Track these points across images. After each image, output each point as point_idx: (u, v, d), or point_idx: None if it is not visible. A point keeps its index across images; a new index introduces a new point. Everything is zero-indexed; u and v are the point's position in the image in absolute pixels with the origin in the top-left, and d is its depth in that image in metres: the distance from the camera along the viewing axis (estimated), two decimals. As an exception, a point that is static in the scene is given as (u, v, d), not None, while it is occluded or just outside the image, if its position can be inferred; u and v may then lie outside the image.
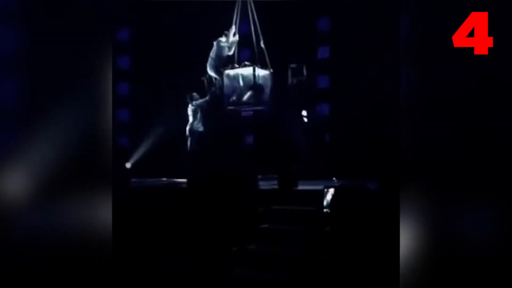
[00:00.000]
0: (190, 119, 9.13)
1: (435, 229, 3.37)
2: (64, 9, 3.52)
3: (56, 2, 3.53)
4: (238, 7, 8.30)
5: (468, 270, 3.30)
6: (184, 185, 7.31)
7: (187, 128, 9.13)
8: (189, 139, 9.10)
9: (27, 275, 3.41)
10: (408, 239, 3.36)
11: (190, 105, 9.15)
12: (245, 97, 8.14)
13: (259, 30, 8.34)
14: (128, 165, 9.33)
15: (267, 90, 8.17)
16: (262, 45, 8.30)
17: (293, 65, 8.44)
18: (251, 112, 8.79)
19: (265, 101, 8.18)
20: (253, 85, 8.06)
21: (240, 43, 8.61)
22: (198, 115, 9.11)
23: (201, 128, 9.13)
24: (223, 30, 8.63)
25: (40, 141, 3.46)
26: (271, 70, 8.29)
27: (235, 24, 8.41)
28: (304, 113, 8.39)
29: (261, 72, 8.13)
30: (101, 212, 3.49)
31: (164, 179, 9.00)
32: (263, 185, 7.21)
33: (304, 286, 4.39)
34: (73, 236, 3.45)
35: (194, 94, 9.20)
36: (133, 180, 8.05)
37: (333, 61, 9.80)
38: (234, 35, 8.57)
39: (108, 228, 3.50)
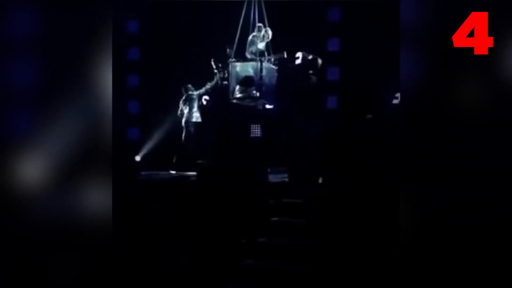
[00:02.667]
0: (184, 110, 9.18)
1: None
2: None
3: None
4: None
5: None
6: (193, 178, 7.31)
7: (183, 120, 9.19)
8: (184, 130, 9.17)
9: (34, 260, 3.45)
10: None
11: (184, 97, 9.22)
12: (236, 91, 8.18)
13: (266, 22, 8.35)
14: (137, 158, 9.36)
15: (272, 84, 8.19)
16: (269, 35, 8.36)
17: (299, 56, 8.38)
18: (258, 105, 8.77)
19: (267, 95, 8.20)
20: (243, 79, 8.10)
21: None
22: (193, 107, 9.16)
23: (194, 119, 9.17)
24: (232, 21, 8.62)
25: (45, 131, 3.48)
26: (276, 64, 8.31)
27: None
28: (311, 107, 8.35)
29: (266, 66, 8.13)
30: (102, 201, 3.53)
31: (174, 172, 9.00)
32: (273, 178, 7.19)
33: (314, 277, 4.39)
34: (76, 223, 3.50)
35: (189, 86, 9.25)
36: (143, 173, 8.04)
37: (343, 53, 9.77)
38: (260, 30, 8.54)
39: (108, 216, 3.53)
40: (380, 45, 8.86)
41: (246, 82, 8.08)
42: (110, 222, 3.53)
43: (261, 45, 8.57)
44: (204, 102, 9.27)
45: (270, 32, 8.56)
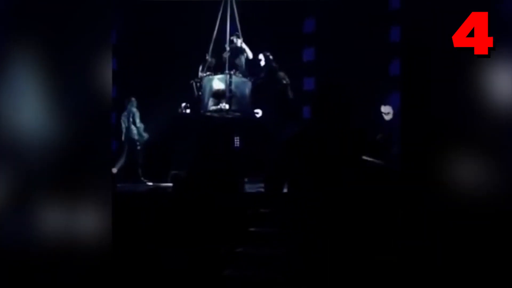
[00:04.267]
0: (127, 124, 9.31)
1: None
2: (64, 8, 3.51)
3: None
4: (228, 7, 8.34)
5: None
6: (169, 190, 7.29)
7: (123, 135, 9.35)
8: (127, 146, 9.32)
9: (25, 275, 3.39)
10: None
11: (131, 109, 9.38)
12: (209, 104, 8.34)
13: (239, 32, 8.41)
14: (114, 170, 9.29)
15: (243, 96, 8.32)
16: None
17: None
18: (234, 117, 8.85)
19: (240, 107, 8.34)
20: (215, 92, 8.25)
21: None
22: (136, 122, 9.28)
23: (135, 136, 9.26)
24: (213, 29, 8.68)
25: (41, 140, 3.44)
26: (248, 77, 8.47)
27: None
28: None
29: (236, 79, 8.26)
30: (101, 215, 3.49)
31: (150, 183, 8.97)
32: (250, 188, 7.21)
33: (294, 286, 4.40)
34: (73, 238, 3.45)
35: (133, 99, 9.26)
36: (118, 185, 8.00)
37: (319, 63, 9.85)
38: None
39: (108, 232, 3.49)
40: (357, 53, 8.98)
41: (218, 95, 8.14)
42: (110, 238, 3.49)
43: (239, 60, 8.63)
44: (183, 110, 9.30)
45: (248, 51, 8.67)
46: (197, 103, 8.76)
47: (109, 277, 3.64)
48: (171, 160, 9.43)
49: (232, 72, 8.30)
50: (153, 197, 7.08)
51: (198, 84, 8.82)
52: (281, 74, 8.39)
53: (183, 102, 9.28)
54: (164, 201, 6.57)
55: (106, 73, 3.59)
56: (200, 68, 8.91)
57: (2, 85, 3.43)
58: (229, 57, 8.60)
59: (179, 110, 9.30)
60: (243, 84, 8.43)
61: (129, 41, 10.78)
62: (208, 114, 8.49)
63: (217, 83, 8.31)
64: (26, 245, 3.41)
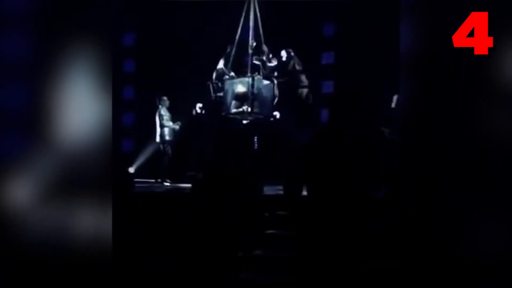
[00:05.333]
0: (160, 124, 9.19)
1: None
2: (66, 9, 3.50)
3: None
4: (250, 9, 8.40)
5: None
6: (187, 190, 7.29)
7: (157, 134, 9.21)
8: (161, 146, 9.22)
9: (28, 280, 3.39)
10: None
11: (161, 110, 9.26)
12: (231, 107, 8.38)
13: (262, 38, 8.43)
14: (131, 169, 9.33)
15: (265, 99, 8.35)
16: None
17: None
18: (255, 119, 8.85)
19: (263, 110, 8.38)
20: (237, 95, 8.30)
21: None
22: (168, 121, 9.20)
23: (171, 135, 9.20)
24: (227, 33, 8.70)
25: (42, 146, 3.43)
26: (274, 80, 8.46)
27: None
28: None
29: (258, 82, 8.29)
30: (102, 217, 3.46)
31: (168, 184, 8.98)
32: (268, 190, 7.18)
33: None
34: (73, 242, 3.42)
35: (164, 98, 9.27)
36: (137, 185, 8.02)
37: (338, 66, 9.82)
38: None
39: (108, 233, 3.47)
40: (375, 57, 8.93)
41: (240, 97, 8.20)
42: (110, 241, 3.47)
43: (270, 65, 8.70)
44: (198, 110, 9.31)
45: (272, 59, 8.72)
46: (214, 104, 8.79)
47: (117, 277, 3.63)
48: (187, 161, 9.44)
49: (254, 75, 8.33)
50: (170, 197, 7.09)
51: (215, 85, 8.85)
52: (302, 76, 8.39)
53: (199, 103, 9.31)
54: (182, 202, 6.57)
55: (107, 73, 3.55)
56: (222, 62, 8.93)
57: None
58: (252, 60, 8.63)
59: (194, 111, 9.33)
60: (265, 86, 8.45)
61: (148, 43, 10.84)
62: (231, 116, 8.52)
63: (240, 86, 8.37)
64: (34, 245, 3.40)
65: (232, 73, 8.73)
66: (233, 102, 8.35)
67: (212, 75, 8.94)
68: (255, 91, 8.21)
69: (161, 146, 9.22)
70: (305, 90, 8.43)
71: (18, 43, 3.45)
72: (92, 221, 3.44)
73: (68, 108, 3.45)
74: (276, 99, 8.54)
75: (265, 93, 8.42)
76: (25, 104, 3.45)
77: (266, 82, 8.47)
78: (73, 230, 3.41)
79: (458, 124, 3.40)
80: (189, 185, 7.43)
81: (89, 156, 3.44)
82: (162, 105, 9.27)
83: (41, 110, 3.43)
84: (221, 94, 8.68)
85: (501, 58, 3.36)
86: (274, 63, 8.68)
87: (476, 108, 3.37)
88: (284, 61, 8.55)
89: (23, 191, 3.38)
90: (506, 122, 3.32)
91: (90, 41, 3.48)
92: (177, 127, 9.29)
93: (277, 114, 8.62)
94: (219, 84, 8.80)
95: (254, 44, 8.58)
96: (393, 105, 8.36)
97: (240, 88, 8.32)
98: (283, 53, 8.53)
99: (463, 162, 3.36)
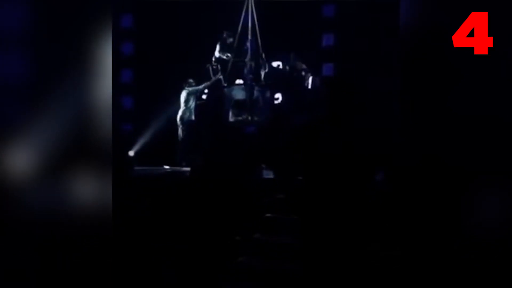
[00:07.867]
0: (182, 106, 9.10)
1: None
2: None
3: None
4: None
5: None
6: (187, 174, 7.31)
7: (178, 115, 9.11)
8: (179, 127, 9.11)
9: (29, 253, 3.42)
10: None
11: (183, 92, 9.13)
12: (230, 116, 8.39)
13: (259, 41, 8.37)
14: (131, 153, 9.32)
15: (263, 105, 8.41)
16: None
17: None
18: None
19: (261, 117, 8.44)
20: (235, 103, 8.34)
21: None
22: (190, 103, 9.08)
23: (192, 117, 9.12)
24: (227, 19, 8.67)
25: (42, 119, 3.44)
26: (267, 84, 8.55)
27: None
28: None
29: (256, 88, 8.35)
30: (102, 192, 3.49)
31: (168, 167, 8.98)
32: (267, 174, 7.21)
33: (309, 275, 4.39)
34: (74, 215, 3.44)
35: (190, 80, 9.16)
36: (137, 168, 8.02)
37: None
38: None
39: (108, 206, 3.49)
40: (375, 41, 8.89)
41: (239, 106, 8.18)
42: (110, 218, 3.50)
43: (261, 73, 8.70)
44: (204, 97, 9.28)
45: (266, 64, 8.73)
46: (216, 88, 8.77)
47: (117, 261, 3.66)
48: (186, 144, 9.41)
49: (253, 83, 8.35)
50: (170, 181, 7.10)
51: (214, 67, 8.82)
52: (298, 63, 8.36)
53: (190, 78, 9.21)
54: (181, 186, 6.59)
55: (107, 53, 3.54)
56: (218, 47, 8.88)
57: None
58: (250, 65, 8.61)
59: (184, 85, 9.19)
60: (263, 91, 8.49)
61: (147, 26, 10.76)
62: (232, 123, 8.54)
63: (238, 94, 8.41)
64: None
65: (228, 54, 8.72)
66: (232, 111, 8.38)
67: (211, 59, 8.91)
68: (254, 98, 8.28)
69: (180, 129, 9.14)
70: (302, 76, 8.43)
71: (19, 19, 3.46)
72: (92, 194, 3.47)
73: (68, 86, 3.46)
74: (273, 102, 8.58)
75: (263, 98, 8.46)
76: (26, 75, 3.44)
77: (263, 88, 8.51)
78: (73, 201, 3.44)
79: (457, 121, 3.41)
80: (188, 168, 7.46)
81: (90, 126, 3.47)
82: (187, 88, 9.17)
83: (42, 82, 3.44)
84: (220, 76, 8.65)
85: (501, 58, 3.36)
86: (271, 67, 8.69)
87: (476, 108, 3.38)
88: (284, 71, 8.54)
89: (23, 160, 3.41)
90: (506, 122, 3.33)
91: (90, 22, 3.48)
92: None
93: (279, 97, 8.60)
94: (218, 66, 8.77)
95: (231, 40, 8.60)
96: (308, 86, 8.42)
97: (238, 96, 8.38)
98: (278, 63, 8.54)
99: (463, 162, 3.38)
